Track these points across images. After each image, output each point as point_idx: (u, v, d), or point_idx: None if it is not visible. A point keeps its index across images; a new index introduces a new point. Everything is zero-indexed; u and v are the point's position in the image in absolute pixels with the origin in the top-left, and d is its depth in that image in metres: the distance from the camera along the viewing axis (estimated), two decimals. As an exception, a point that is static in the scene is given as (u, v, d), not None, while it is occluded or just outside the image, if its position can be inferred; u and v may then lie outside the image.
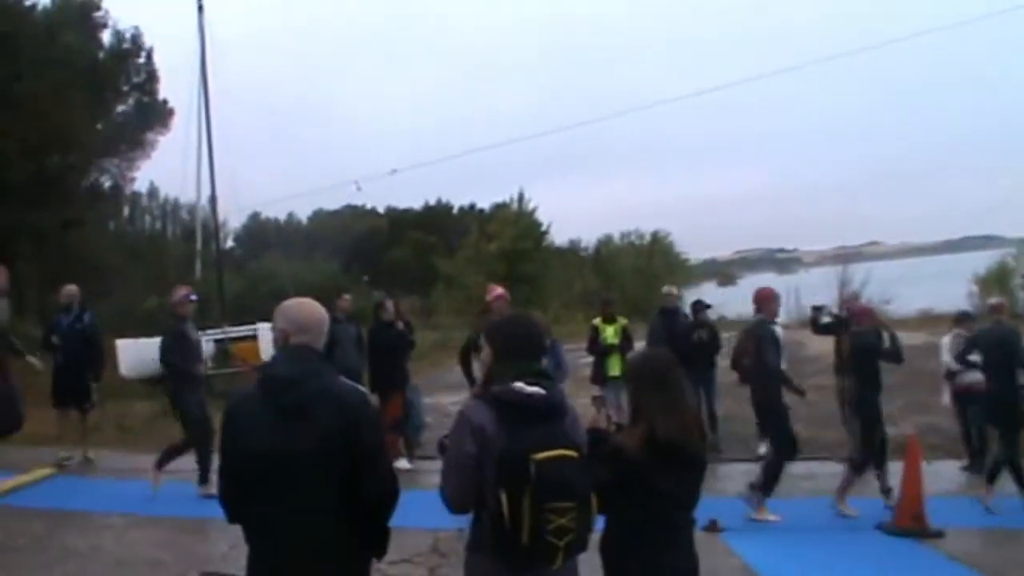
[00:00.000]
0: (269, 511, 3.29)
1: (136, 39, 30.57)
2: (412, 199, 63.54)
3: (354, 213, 60.10)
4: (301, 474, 3.23)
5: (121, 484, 9.88)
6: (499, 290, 9.83)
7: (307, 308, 3.56)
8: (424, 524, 6.83)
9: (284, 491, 3.25)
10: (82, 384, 11.16)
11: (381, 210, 62.04)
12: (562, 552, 3.24)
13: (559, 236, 49.83)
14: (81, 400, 11.19)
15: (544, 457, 3.18)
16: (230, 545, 6.89)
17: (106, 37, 29.32)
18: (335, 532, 3.28)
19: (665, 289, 12.88)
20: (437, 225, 57.87)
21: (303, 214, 64.84)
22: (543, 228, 44.78)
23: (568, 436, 3.39)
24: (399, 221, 60.28)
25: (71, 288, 11.46)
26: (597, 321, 12.18)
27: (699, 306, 12.19)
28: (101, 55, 29.46)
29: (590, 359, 12.18)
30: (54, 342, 11.13)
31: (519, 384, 3.34)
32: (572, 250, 52.92)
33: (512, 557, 3.22)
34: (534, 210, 44.79)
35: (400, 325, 11.32)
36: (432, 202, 62.44)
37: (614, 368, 11.58)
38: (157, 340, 9.99)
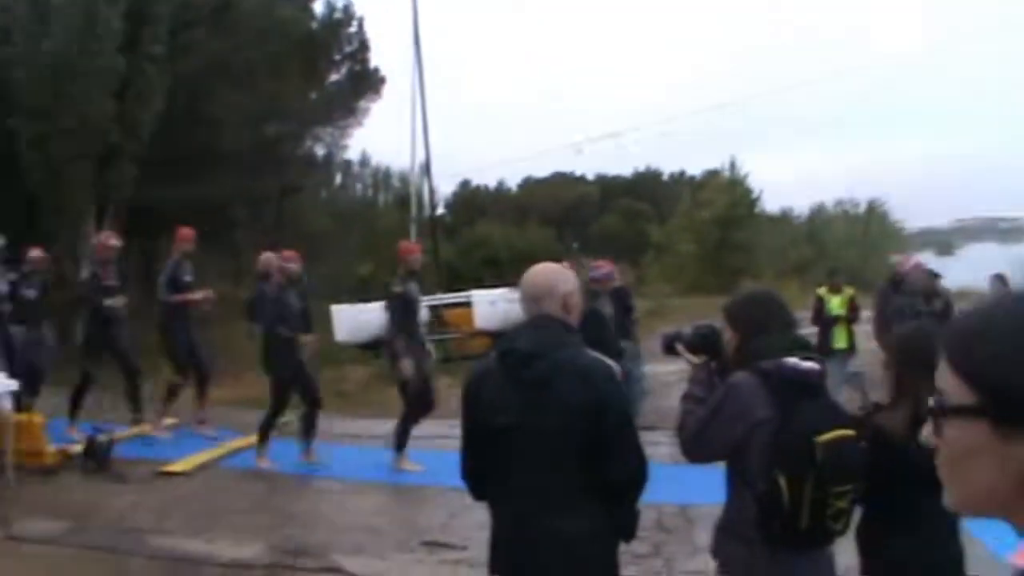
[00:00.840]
0: (512, 488, 3.38)
1: (347, 9, 32.32)
2: (621, 167, 63.71)
3: (564, 180, 60.99)
4: (544, 450, 3.26)
5: (339, 449, 10.39)
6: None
7: (540, 275, 3.52)
8: (647, 498, 7.24)
9: (527, 468, 3.31)
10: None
11: (591, 177, 62.78)
12: (836, 535, 3.31)
13: (771, 204, 49.31)
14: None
15: (828, 439, 3.17)
16: (449, 514, 7.46)
17: (318, 8, 31.18)
18: (580, 512, 3.28)
19: (896, 258, 12.83)
20: (647, 192, 58.19)
21: (512, 182, 66.36)
22: (754, 195, 44.72)
23: (841, 413, 3.43)
24: (609, 188, 60.85)
25: (267, 256, 12.07)
26: (822, 291, 12.35)
27: (932, 276, 12.17)
28: (314, 26, 31.38)
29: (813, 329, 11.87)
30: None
31: (792, 359, 3.31)
32: (784, 218, 52.20)
33: (787, 541, 3.23)
34: (745, 176, 44.78)
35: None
36: (641, 169, 62.73)
37: (840, 340, 11.81)
38: (372, 305, 11.05)
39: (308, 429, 9.67)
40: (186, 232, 11.29)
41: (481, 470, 3.52)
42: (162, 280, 10.90)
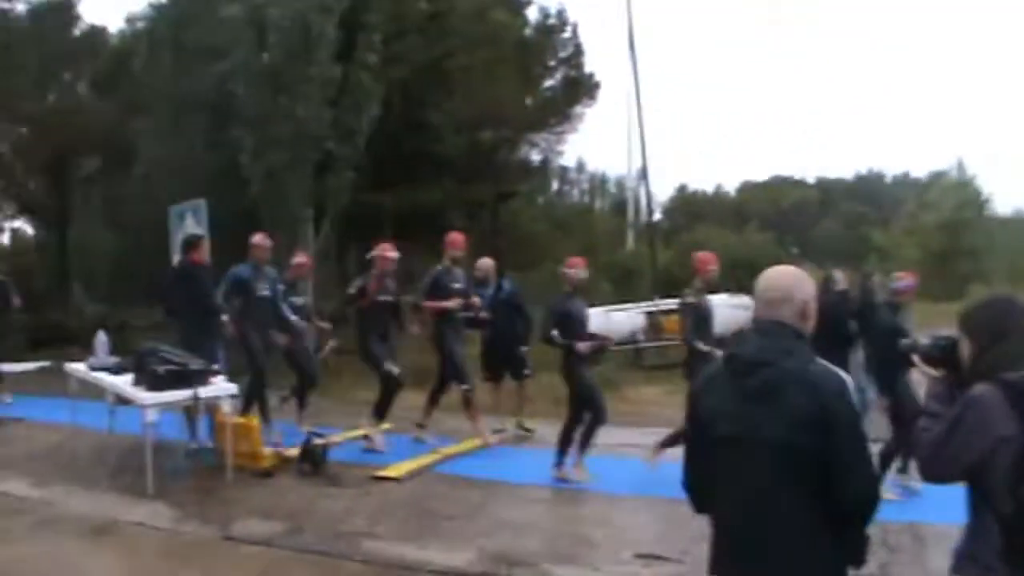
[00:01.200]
0: (733, 502, 3.19)
1: (561, 14, 32.37)
2: (842, 169, 62.34)
3: (783, 183, 59.77)
4: (768, 463, 3.06)
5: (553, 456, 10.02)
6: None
7: (780, 278, 3.31)
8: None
9: (749, 481, 3.12)
10: (514, 354, 11.73)
11: (811, 180, 61.23)
12: None
13: (1003, 205, 46.86)
14: (517, 370, 11.82)
15: None
16: (665, 525, 7.20)
17: (532, 14, 31.34)
18: (805, 532, 3.08)
19: None
20: (870, 195, 56.29)
21: (730, 185, 65.32)
22: (983, 197, 42.40)
23: None
24: (830, 191, 59.22)
25: (486, 261, 12.17)
26: None
27: None
28: (528, 32, 31.60)
29: None
30: (483, 316, 11.53)
31: None
32: (1019, 220, 49.37)
33: None
34: (973, 178, 42.53)
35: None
36: (863, 171, 60.70)
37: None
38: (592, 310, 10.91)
39: (584, 441, 9.42)
40: (456, 238, 11.14)
41: (702, 481, 3.30)
42: (425, 285, 10.82)
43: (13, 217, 34.63)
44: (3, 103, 26.45)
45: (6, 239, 37.06)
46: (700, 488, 3.33)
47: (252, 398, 10.42)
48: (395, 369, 10.54)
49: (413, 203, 22.59)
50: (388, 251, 10.83)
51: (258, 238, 11.07)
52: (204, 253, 10.67)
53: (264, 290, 10.67)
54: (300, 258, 11.93)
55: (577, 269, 9.66)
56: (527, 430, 11.68)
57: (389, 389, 10.49)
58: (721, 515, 3.25)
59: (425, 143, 22.68)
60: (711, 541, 3.28)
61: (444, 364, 11.09)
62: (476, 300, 11.22)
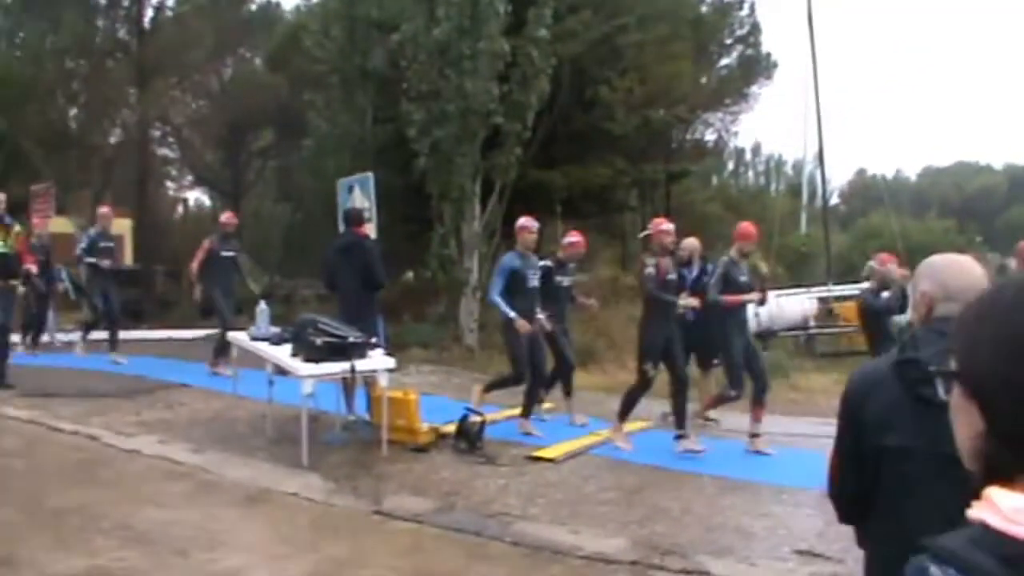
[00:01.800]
0: (903, 519, 2.82)
1: (739, -8, 31.82)
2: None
3: (967, 169, 57.35)
4: (949, 481, 2.27)
5: (721, 444, 9.98)
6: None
7: (962, 268, 2.89)
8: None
9: (925, 499, 2.69)
10: (710, 340, 10.91)
11: (998, 166, 58.49)
12: None
13: None
14: (709, 356, 11.26)
15: None
16: (826, 522, 6.71)
17: (709, -10, 30.85)
18: None
19: None
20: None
21: (911, 170, 63.06)
22: None
23: None
24: (1018, 178, 56.45)
25: (691, 241, 11.45)
26: None
27: None
28: (704, 8, 31.06)
29: None
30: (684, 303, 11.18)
31: None
32: None
33: None
34: None
35: None
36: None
37: None
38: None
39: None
40: (747, 229, 10.33)
41: (858, 493, 2.93)
42: (716, 277, 10.24)
43: (191, 188, 35.88)
44: (180, 77, 27.37)
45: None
46: (854, 498, 2.99)
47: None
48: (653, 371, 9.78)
49: (583, 181, 22.44)
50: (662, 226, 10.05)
51: (525, 221, 10.45)
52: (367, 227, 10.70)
53: (533, 280, 10.28)
54: (574, 236, 11.40)
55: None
56: (711, 420, 11.16)
57: (641, 387, 9.92)
58: (885, 532, 2.88)
59: (596, 120, 22.50)
60: (868, 554, 2.98)
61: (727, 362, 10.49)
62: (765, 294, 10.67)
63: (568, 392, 11.11)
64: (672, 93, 25.34)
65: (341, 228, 11.64)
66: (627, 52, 23.19)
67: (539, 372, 10.35)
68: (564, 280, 10.92)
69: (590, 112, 22.40)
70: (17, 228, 12.12)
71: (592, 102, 22.29)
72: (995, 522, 1.22)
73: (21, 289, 12.56)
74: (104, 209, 15.31)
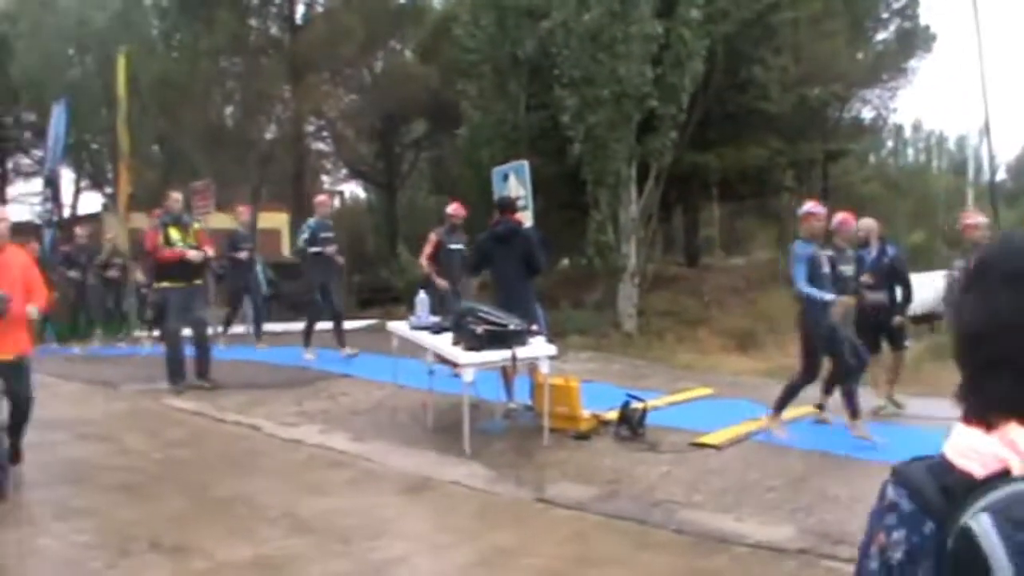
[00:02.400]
0: None
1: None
2: None
3: None
4: None
5: (889, 428, 9.55)
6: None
7: None
8: None
9: None
10: (890, 323, 10.76)
11: None
12: None
13: None
14: (895, 340, 10.88)
15: None
16: None
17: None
18: None
19: None
20: None
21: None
22: None
23: None
24: None
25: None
26: None
27: None
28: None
29: None
30: (863, 281, 10.53)
31: None
32: None
33: None
34: None
35: None
36: None
37: None
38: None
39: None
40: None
41: None
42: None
43: (345, 180, 36.61)
44: (332, 71, 27.92)
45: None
46: None
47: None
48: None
49: (739, 162, 22.15)
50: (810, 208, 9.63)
51: (811, 206, 9.89)
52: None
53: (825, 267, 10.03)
54: (866, 220, 10.96)
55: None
56: (898, 405, 10.67)
57: (805, 378, 9.63)
58: None
59: (751, 101, 22.16)
60: None
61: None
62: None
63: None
64: (828, 70, 24.84)
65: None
66: (781, 30, 22.78)
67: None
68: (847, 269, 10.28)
69: (745, 92, 22.07)
70: (196, 225, 12.33)
71: (746, 82, 21.96)
72: (950, 453, 1.34)
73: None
74: (321, 197, 15.15)
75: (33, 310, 7.28)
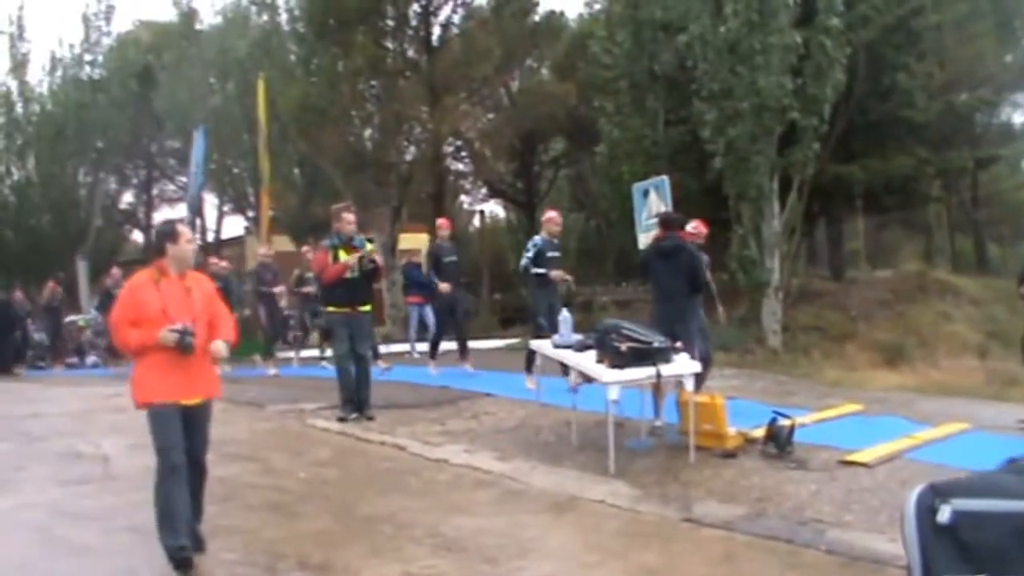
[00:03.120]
0: None
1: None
2: None
3: None
4: None
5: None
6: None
7: None
8: None
9: None
10: None
11: None
12: None
13: None
14: None
15: None
16: None
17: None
18: None
19: None
20: None
21: None
22: None
23: None
24: None
25: None
26: None
27: None
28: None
29: None
30: None
31: None
32: None
33: None
34: None
35: None
36: None
37: None
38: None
39: None
40: None
41: None
42: None
43: (485, 200, 36.98)
44: (470, 91, 28.25)
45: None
46: None
47: None
48: None
49: (884, 173, 21.72)
50: None
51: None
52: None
53: None
54: None
55: None
56: None
57: None
58: None
59: (895, 109, 21.72)
60: None
61: None
62: None
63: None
64: (975, 75, 24.28)
65: (640, 235, 11.74)
66: (924, 35, 22.31)
67: None
68: None
69: (888, 100, 21.62)
70: (369, 247, 11.70)
71: (890, 90, 21.52)
72: None
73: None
74: (551, 213, 13.55)
75: (222, 346, 6.34)
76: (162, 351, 5.96)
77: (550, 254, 12.57)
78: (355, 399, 11.50)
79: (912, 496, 1.21)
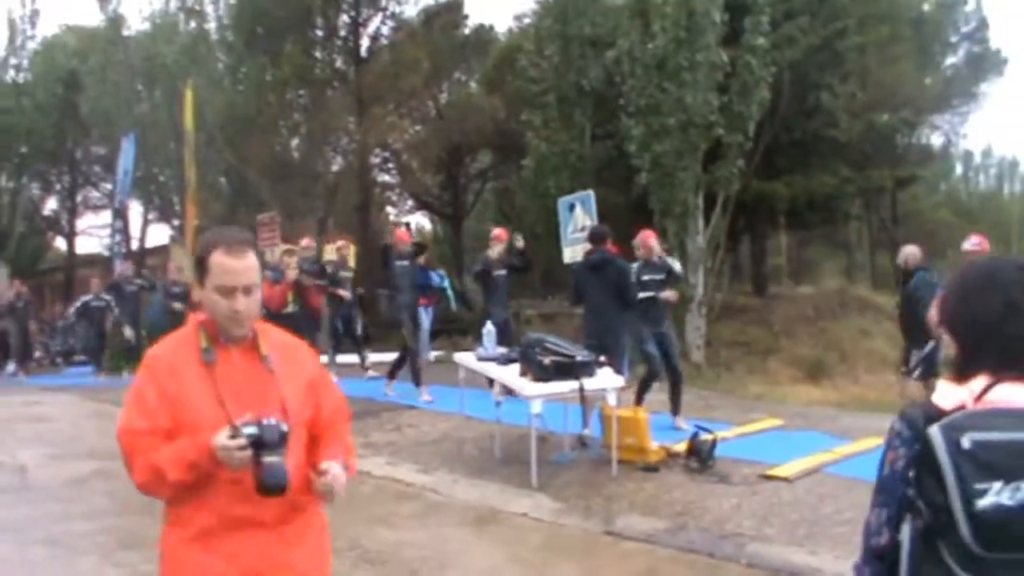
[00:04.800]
0: None
1: (965, -14, 30.70)
2: None
3: None
4: None
5: None
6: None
7: None
8: None
9: None
10: None
11: None
12: None
13: None
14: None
15: None
16: None
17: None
18: None
19: None
20: None
21: None
22: None
23: None
24: None
25: (909, 249, 11.57)
26: None
27: None
28: (926, 7, 30.04)
29: None
30: None
31: None
32: None
33: None
34: None
35: None
36: None
37: None
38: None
39: None
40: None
41: None
42: None
43: (411, 212, 36.87)
44: (398, 103, 28.17)
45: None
46: None
47: None
48: None
49: (807, 190, 21.96)
50: None
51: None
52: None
53: None
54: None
55: None
56: None
57: None
58: None
59: (818, 128, 21.98)
60: None
61: None
62: None
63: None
64: (896, 96, 24.66)
65: (565, 248, 11.74)
66: (848, 56, 22.62)
67: None
68: None
69: (812, 119, 21.89)
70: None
71: (814, 109, 21.78)
72: (935, 399, 2.23)
73: None
74: (642, 236, 11.81)
75: (339, 475, 3.11)
76: (218, 492, 2.95)
77: (646, 277, 11.36)
78: None
79: (936, 432, 2.11)
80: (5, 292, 23.60)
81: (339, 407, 3.38)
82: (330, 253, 18.08)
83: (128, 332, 19.61)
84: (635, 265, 11.31)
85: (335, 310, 15.47)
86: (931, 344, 10.82)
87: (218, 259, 2.98)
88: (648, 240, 11.33)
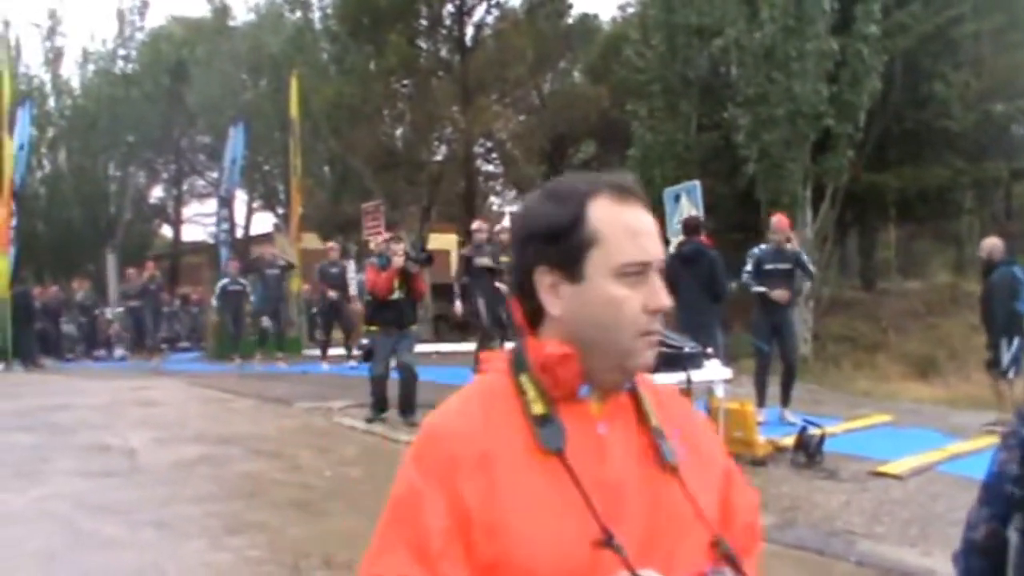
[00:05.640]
0: None
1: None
2: None
3: None
4: None
5: None
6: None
7: None
8: None
9: None
10: None
11: None
12: None
13: None
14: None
15: None
16: None
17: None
18: None
19: None
20: None
21: None
22: None
23: None
24: None
25: (991, 241, 11.43)
26: None
27: None
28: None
29: None
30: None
31: None
32: None
33: None
34: None
35: None
36: None
37: None
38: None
39: None
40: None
41: None
42: None
43: (514, 202, 37.02)
44: (502, 92, 28.22)
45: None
46: None
47: None
48: None
49: (918, 182, 21.50)
50: None
51: None
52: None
53: None
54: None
55: None
56: None
57: None
58: None
59: (931, 118, 21.51)
60: None
61: None
62: None
63: None
64: (1013, 85, 23.94)
65: (671, 238, 11.67)
66: (962, 44, 22.08)
67: None
68: None
69: (924, 109, 21.43)
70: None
71: (926, 99, 21.32)
72: None
73: None
74: (779, 218, 11.57)
75: None
76: None
77: (769, 266, 11.09)
78: (386, 407, 11.40)
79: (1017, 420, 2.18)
80: (137, 276, 24.16)
81: (752, 523, 1.82)
82: (434, 243, 18.23)
83: (266, 322, 19.02)
84: (759, 249, 11.24)
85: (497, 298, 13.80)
86: (1018, 340, 10.63)
87: (613, 212, 1.54)
88: (784, 223, 11.12)
